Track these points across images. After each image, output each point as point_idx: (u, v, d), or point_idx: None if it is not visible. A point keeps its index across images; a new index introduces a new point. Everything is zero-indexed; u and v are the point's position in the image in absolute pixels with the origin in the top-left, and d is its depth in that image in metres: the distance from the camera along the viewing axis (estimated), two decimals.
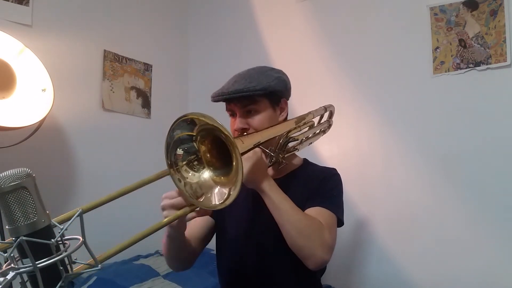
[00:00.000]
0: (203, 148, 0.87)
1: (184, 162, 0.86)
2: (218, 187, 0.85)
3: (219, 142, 0.82)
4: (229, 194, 0.81)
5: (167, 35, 2.53)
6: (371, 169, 1.84)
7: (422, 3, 1.73)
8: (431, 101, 1.71)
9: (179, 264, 1.17)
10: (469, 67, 1.62)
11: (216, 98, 1.13)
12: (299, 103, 1.69)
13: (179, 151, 0.85)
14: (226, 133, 0.78)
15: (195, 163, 0.87)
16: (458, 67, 1.64)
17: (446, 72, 1.67)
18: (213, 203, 0.84)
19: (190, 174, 0.86)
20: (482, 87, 1.60)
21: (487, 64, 1.58)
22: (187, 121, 0.81)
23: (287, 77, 1.23)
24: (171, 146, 0.84)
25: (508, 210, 1.51)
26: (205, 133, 0.84)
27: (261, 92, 1.10)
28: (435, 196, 1.67)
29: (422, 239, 1.68)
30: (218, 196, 0.84)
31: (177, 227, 0.99)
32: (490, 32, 1.57)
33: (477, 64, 1.60)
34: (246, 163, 0.95)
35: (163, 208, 0.90)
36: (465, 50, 1.63)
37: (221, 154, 0.85)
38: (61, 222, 0.65)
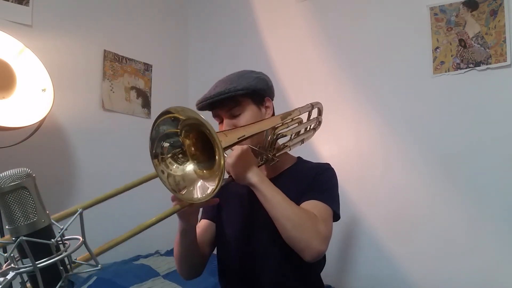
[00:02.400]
0: (187, 141, 0.88)
1: (169, 155, 0.87)
2: (201, 180, 0.86)
3: (204, 136, 0.83)
4: (211, 187, 0.82)
5: (167, 35, 2.53)
6: (371, 169, 1.83)
7: (422, 3, 1.73)
8: (431, 101, 1.71)
9: (190, 268, 1.18)
10: (469, 67, 1.62)
11: (200, 104, 1.14)
12: (299, 103, 1.68)
13: (165, 144, 0.86)
14: (207, 125, 0.78)
15: (180, 156, 0.88)
16: (458, 67, 1.64)
17: (446, 72, 1.67)
18: (195, 196, 0.84)
19: (174, 166, 0.87)
20: (482, 87, 1.60)
21: (487, 64, 1.58)
22: (171, 118, 0.82)
23: (268, 77, 1.24)
24: (156, 139, 0.85)
25: (508, 210, 1.51)
26: (189, 127, 0.85)
27: (242, 92, 1.11)
28: (435, 196, 1.67)
29: (422, 239, 1.68)
30: (200, 190, 0.84)
31: (187, 219, 1.02)
32: (490, 32, 1.57)
33: (477, 64, 1.60)
34: (232, 158, 0.97)
35: (172, 199, 0.94)
36: (465, 50, 1.63)
37: (205, 148, 0.86)
38: (59, 220, 0.65)
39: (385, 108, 1.82)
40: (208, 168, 0.86)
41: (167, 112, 0.82)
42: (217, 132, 0.79)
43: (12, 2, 1.74)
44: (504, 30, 1.54)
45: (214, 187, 0.80)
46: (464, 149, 1.62)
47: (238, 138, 0.93)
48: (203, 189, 0.84)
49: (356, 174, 1.84)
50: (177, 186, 0.86)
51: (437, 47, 1.69)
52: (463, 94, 1.63)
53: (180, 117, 0.82)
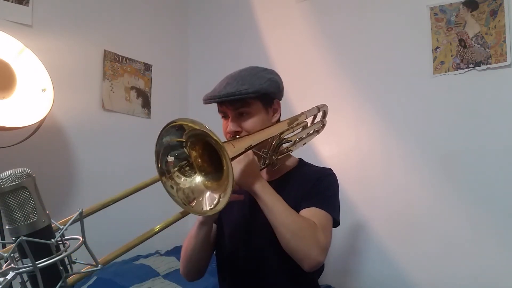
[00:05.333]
0: (194, 153, 0.86)
1: (176, 168, 0.85)
2: (209, 192, 0.84)
3: (210, 147, 0.81)
4: (219, 200, 0.81)
5: (167, 35, 2.53)
6: (371, 169, 1.83)
7: (422, 3, 1.73)
8: (431, 101, 1.71)
9: (195, 266, 1.18)
10: (469, 67, 1.62)
11: (208, 101, 1.11)
12: (299, 103, 1.70)
13: (170, 158, 0.85)
14: (216, 138, 0.77)
15: (187, 168, 0.87)
16: (458, 67, 1.64)
17: (446, 72, 1.67)
18: (204, 208, 0.83)
19: (182, 179, 0.86)
20: (482, 87, 1.60)
21: (487, 64, 1.58)
22: (175, 127, 0.80)
23: (280, 77, 1.21)
24: (161, 153, 0.83)
25: (508, 210, 1.51)
26: (195, 138, 0.83)
27: (253, 95, 1.08)
28: (435, 196, 1.67)
29: (422, 240, 1.68)
30: (209, 201, 0.83)
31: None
32: (490, 32, 1.57)
33: (477, 64, 1.60)
34: (237, 165, 0.95)
35: None
36: (465, 50, 1.63)
37: (212, 158, 0.84)
38: (62, 225, 0.65)
39: (385, 108, 1.82)
40: (215, 179, 0.85)
41: (172, 122, 0.80)
42: (224, 142, 0.77)
43: (12, 2, 1.74)
44: (504, 30, 1.54)
45: (223, 199, 0.79)
46: (464, 149, 1.62)
47: (245, 148, 0.91)
48: (211, 200, 0.83)
49: (356, 174, 1.84)
50: (187, 199, 0.85)
51: (437, 47, 1.69)
52: (463, 94, 1.63)
53: (185, 127, 0.80)
